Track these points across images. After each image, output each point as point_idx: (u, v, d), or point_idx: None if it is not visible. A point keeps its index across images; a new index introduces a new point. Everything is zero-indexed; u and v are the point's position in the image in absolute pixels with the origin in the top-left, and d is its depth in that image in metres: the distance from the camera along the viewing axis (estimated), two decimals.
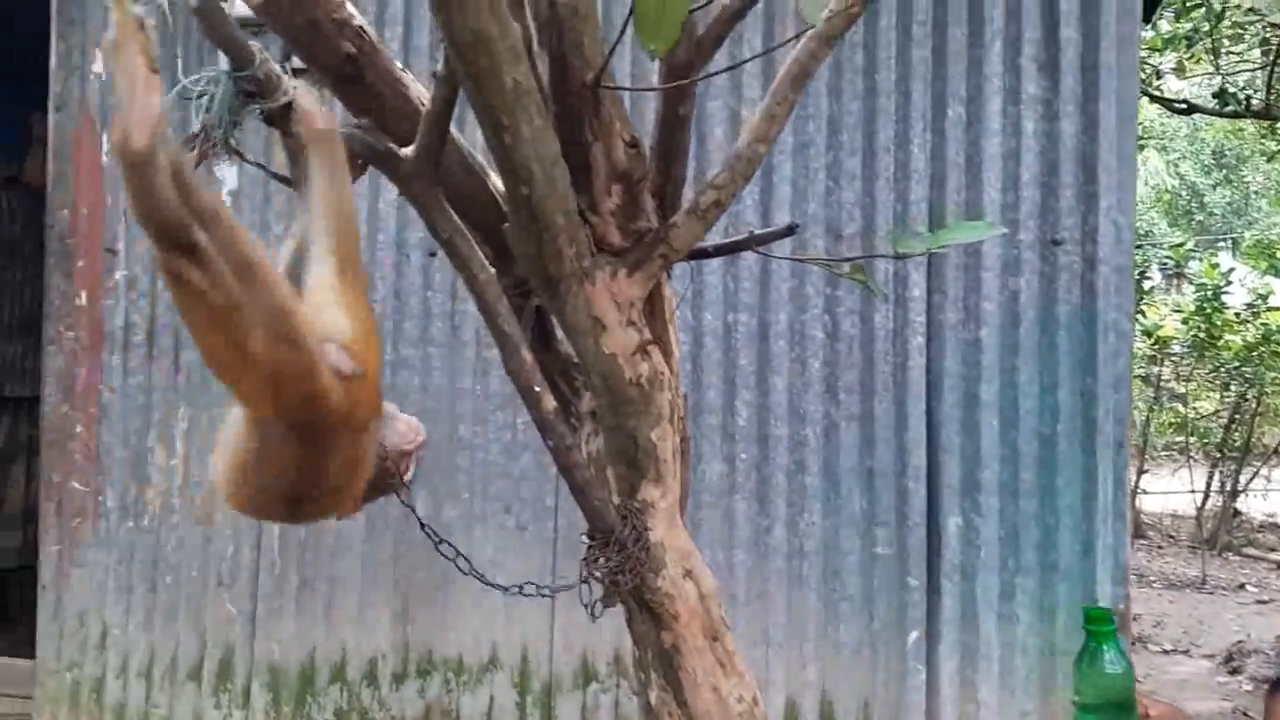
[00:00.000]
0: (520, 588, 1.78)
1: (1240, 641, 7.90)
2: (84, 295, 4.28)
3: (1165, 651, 8.21)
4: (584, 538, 1.95)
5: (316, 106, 1.41)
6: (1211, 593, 10.55)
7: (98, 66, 4.19)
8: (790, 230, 1.86)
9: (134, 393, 4.18)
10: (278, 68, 1.34)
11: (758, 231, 1.89)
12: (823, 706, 3.43)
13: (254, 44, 1.30)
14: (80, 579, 4.22)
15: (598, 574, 1.94)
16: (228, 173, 4.09)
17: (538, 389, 1.92)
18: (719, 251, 1.96)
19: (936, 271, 3.38)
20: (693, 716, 2.01)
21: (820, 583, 3.46)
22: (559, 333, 2.12)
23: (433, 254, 3.89)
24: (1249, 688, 6.82)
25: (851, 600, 3.42)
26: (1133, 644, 3.25)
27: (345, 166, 1.43)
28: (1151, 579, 11.25)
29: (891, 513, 3.39)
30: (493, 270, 1.85)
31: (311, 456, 1.34)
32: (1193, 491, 13.01)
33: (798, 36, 1.70)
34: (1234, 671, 7.42)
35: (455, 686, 3.80)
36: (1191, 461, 12.89)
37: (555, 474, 3.70)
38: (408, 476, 1.67)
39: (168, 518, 4.09)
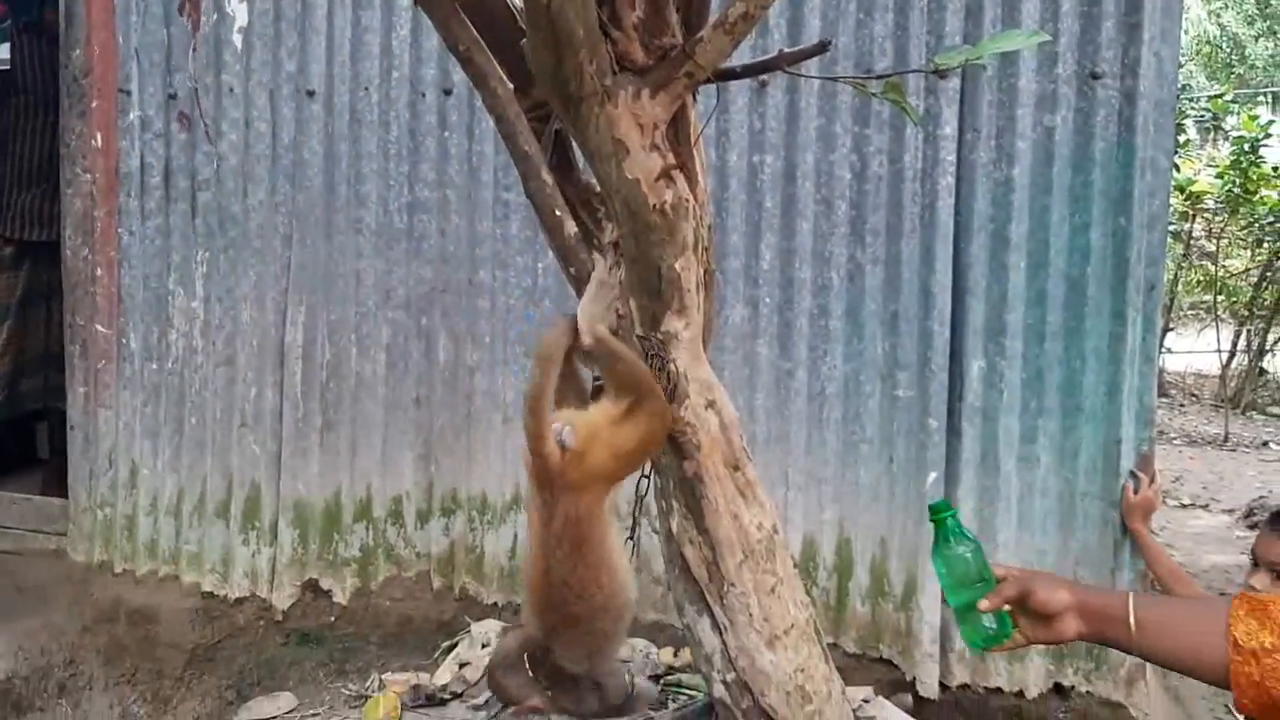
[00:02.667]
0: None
1: (1262, 497, 7.93)
2: (99, 137, 4.22)
3: (1184, 506, 8.28)
4: None
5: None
6: (1233, 450, 10.59)
7: None
8: (823, 47, 1.77)
9: (153, 235, 4.16)
10: None
11: (787, 50, 1.80)
12: (840, 545, 3.47)
13: None
14: (107, 420, 4.27)
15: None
16: (238, 8, 3.97)
17: (559, 213, 1.88)
18: (747, 72, 1.88)
19: (970, 108, 3.26)
20: (713, 543, 2.03)
21: (840, 425, 3.46)
22: (580, 161, 2.06)
23: (448, 92, 3.80)
24: None
25: (871, 442, 3.42)
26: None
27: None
28: (1173, 436, 11.29)
29: (914, 356, 3.35)
30: (511, 86, 1.79)
31: (547, 511, 1.81)
32: (1218, 351, 12.93)
33: None
34: (1253, 526, 7.46)
35: (479, 525, 3.87)
36: (1218, 321, 12.77)
37: None
38: None
39: (191, 359, 4.12)
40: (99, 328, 4.26)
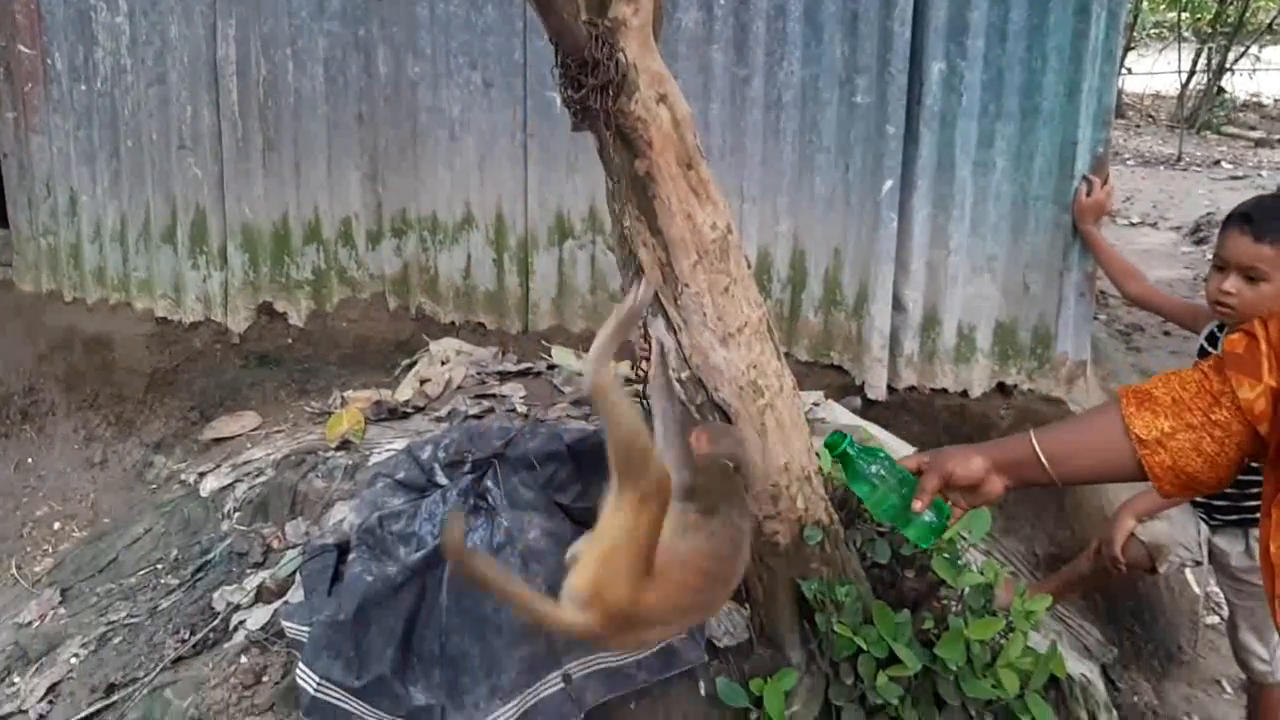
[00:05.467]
0: None
1: (1209, 214, 8.03)
2: None
3: (1133, 224, 8.39)
4: (556, 69, 1.85)
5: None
6: (1186, 170, 10.64)
7: None
8: None
9: None
10: None
11: None
12: (794, 256, 3.47)
13: None
14: (40, 146, 4.11)
15: (573, 98, 1.85)
16: None
17: None
18: None
19: None
20: (666, 244, 2.01)
21: (797, 135, 3.39)
22: None
23: None
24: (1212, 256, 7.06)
25: (828, 151, 3.37)
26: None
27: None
28: (1126, 156, 11.31)
29: (873, 59, 3.24)
30: None
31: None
32: (1178, 71, 12.77)
33: None
34: (1199, 242, 7.60)
35: (431, 245, 3.83)
36: (1181, 39, 12.54)
37: (523, 27, 3.52)
38: None
39: (120, 79, 3.92)
40: (21, 48, 4.03)
